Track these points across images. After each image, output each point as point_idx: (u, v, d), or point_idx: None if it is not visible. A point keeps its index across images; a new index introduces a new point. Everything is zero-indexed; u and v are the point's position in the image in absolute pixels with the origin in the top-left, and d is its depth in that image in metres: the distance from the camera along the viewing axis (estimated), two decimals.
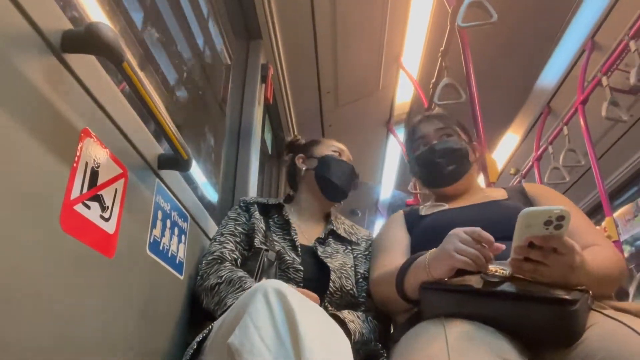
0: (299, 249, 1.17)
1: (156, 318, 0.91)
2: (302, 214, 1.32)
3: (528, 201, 1.15)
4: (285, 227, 1.23)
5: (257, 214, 1.23)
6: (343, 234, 1.28)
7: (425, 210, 1.21)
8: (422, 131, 1.26)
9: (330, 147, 1.36)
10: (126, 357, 0.77)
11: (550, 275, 0.78)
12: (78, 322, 0.64)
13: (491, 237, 0.82)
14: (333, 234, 1.27)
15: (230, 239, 1.16)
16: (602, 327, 0.74)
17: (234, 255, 1.14)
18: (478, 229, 0.84)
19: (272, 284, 0.72)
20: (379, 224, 5.85)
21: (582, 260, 0.79)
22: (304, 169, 1.35)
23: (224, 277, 1.03)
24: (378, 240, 1.24)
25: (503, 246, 0.82)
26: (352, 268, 1.19)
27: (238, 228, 1.20)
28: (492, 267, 0.83)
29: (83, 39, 0.62)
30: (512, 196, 1.18)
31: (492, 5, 1.96)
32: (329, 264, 1.14)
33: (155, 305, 0.90)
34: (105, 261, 0.71)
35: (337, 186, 1.29)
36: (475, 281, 0.82)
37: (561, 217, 0.71)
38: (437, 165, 1.20)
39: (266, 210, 1.28)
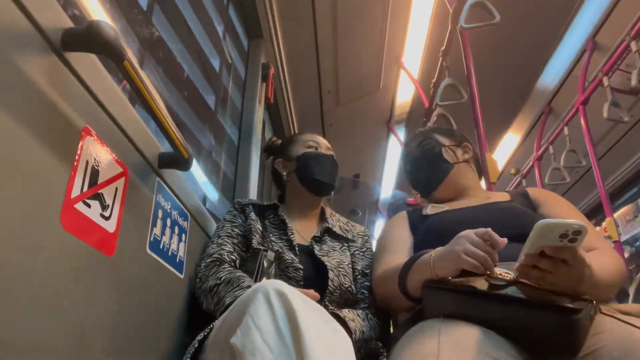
0: (297, 249, 1.17)
1: (156, 317, 0.91)
2: (295, 213, 1.32)
3: (531, 204, 1.16)
4: (282, 227, 1.23)
5: (253, 215, 1.22)
6: (339, 231, 1.28)
7: (429, 210, 1.21)
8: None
9: (305, 144, 1.34)
10: (126, 355, 0.77)
11: (557, 284, 0.78)
12: (78, 320, 0.64)
13: (500, 240, 0.82)
14: (329, 231, 1.27)
15: (228, 240, 1.16)
16: (615, 331, 0.74)
17: (233, 257, 1.14)
18: (489, 230, 0.83)
19: (272, 284, 0.72)
20: (379, 223, 5.85)
21: (591, 273, 0.79)
22: (285, 173, 1.34)
23: (222, 278, 1.03)
24: (381, 240, 1.24)
25: (505, 240, 0.83)
26: (350, 265, 1.20)
27: (235, 230, 1.20)
28: (497, 270, 0.83)
29: (84, 37, 0.62)
30: (515, 199, 1.19)
31: (493, 5, 1.96)
32: (326, 263, 1.14)
33: (155, 304, 0.90)
34: (106, 260, 0.71)
35: (322, 182, 1.28)
36: (479, 283, 0.81)
37: (578, 232, 0.71)
38: (411, 177, 1.38)
39: (261, 211, 1.28)
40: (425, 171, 1.30)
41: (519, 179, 3.92)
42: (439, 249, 0.90)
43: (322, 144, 1.35)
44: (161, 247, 0.92)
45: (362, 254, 1.25)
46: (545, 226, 0.72)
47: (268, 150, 1.46)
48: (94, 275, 0.69)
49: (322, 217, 1.33)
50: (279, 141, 1.45)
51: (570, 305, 0.72)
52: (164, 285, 0.95)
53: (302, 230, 1.26)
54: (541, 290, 0.77)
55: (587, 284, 0.79)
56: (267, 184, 2.80)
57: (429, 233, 1.12)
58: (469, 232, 0.86)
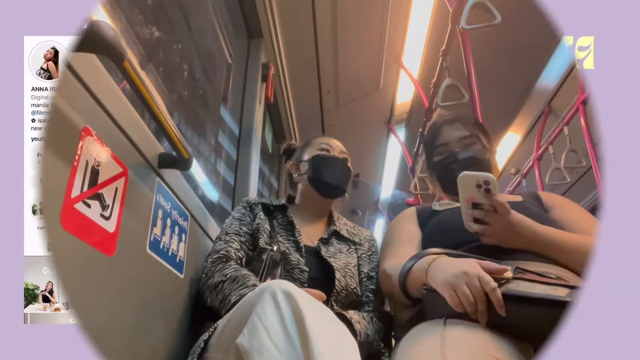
0: (303, 250, 1.16)
1: (156, 317, 0.91)
2: (304, 215, 1.32)
3: (542, 207, 1.15)
4: (290, 228, 1.23)
5: (261, 215, 1.22)
6: (346, 234, 1.28)
7: (439, 206, 1.21)
8: (444, 138, 1.23)
9: (318, 146, 1.33)
10: (125, 356, 0.77)
11: (496, 234, 0.89)
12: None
13: (499, 305, 0.75)
14: (336, 234, 1.27)
15: (236, 238, 1.16)
16: None
17: (240, 254, 1.13)
18: (494, 285, 0.76)
19: (279, 285, 0.72)
20: (379, 223, 5.86)
21: (520, 220, 0.90)
22: (296, 175, 1.35)
23: (228, 275, 1.03)
24: (389, 233, 1.23)
25: (508, 269, 0.81)
26: (356, 267, 1.20)
27: (243, 228, 1.19)
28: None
29: (84, 38, 0.62)
30: (527, 200, 1.18)
31: (493, 5, 1.95)
32: (332, 264, 1.14)
33: (155, 304, 0.90)
34: (106, 260, 0.71)
35: (331, 184, 1.28)
36: None
37: (487, 182, 0.85)
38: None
39: (270, 211, 1.28)
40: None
41: (519, 178, 3.92)
42: (440, 259, 0.87)
43: (336, 147, 1.34)
44: (161, 247, 0.92)
45: (368, 257, 1.25)
46: (462, 177, 0.87)
47: (284, 153, 1.47)
48: (94, 275, 0.69)
49: (330, 220, 1.33)
50: (296, 144, 1.46)
51: (567, 299, 0.72)
52: (164, 285, 0.95)
53: (310, 232, 1.26)
54: (537, 284, 0.77)
55: (534, 241, 0.90)
56: (267, 184, 2.80)
57: (433, 229, 1.12)
58: (478, 271, 0.78)
